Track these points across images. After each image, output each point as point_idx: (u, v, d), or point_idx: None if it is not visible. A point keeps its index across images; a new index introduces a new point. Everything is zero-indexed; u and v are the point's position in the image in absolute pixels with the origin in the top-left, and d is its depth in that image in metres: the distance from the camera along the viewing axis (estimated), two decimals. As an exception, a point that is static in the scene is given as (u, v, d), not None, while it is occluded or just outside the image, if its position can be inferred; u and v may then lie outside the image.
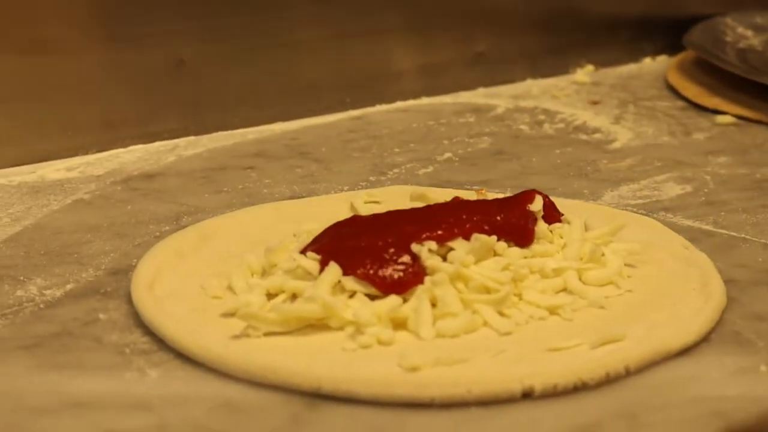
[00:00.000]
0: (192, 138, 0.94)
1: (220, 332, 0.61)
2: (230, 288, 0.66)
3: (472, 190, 0.79)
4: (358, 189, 0.83)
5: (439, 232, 0.65)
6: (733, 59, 1.07)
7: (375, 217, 0.68)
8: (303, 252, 0.65)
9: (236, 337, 0.60)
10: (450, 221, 0.66)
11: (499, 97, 1.05)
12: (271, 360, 0.58)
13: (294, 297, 0.63)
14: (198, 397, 0.57)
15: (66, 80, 0.90)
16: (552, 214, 0.70)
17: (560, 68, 1.12)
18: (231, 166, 0.88)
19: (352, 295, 0.62)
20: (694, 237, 0.73)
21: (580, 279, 0.66)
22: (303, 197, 0.81)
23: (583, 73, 1.12)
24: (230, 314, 0.62)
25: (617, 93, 1.07)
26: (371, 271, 0.62)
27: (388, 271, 0.62)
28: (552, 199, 0.71)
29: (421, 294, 0.62)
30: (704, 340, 0.61)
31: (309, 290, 0.62)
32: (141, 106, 0.93)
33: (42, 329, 0.63)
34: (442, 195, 0.74)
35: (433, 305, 0.62)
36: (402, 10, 1.04)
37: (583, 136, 0.95)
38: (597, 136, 0.95)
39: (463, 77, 1.07)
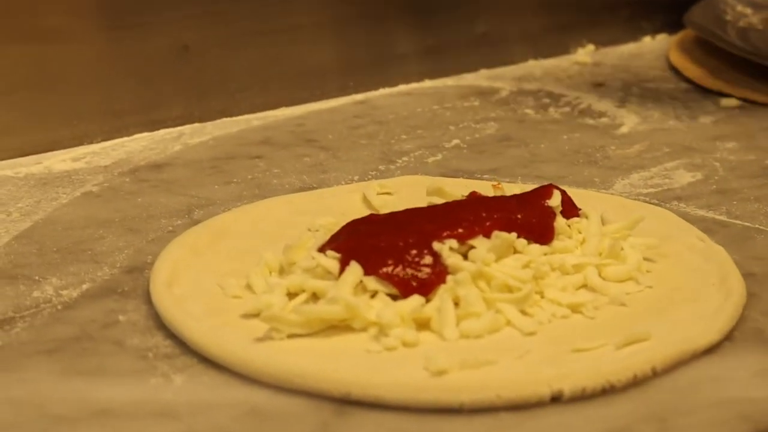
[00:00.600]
0: (197, 125, 0.93)
1: (243, 334, 0.60)
2: (249, 287, 0.65)
3: (485, 180, 0.79)
4: (369, 179, 0.82)
5: (460, 231, 0.64)
6: (735, 39, 1.06)
7: (392, 215, 0.67)
8: (321, 250, 0.65)
9: (259, 339, 0.60)
10: (470, 219, 0.65)
11: (502, 80, 1.05)
12: (297, 364, 0.58)
13: (314, 297, 0.63)
14: (224, 403, 0.57)
15: (69, 68, 0.89)
16: (570, 209, 0.69)
17: (561, 48, 1.11)
18: (238, 155, 0.87)
19: (374, 295, 0.62)
20: (708, 228, 0.73)
21: (599, 275, 0.66)
22: (314, 188, 0.80)
23: (584, 53, 1.11)
24: (251, 315, 0.62)
25: (620, 74, 1.06)
26: (394, 272, 0.62)
27: (412, 272, 0.62)
28: (565, 188, 0.70)
29: (443, 294, 0.62)
30: (727, 338, 0.61)
31: (331, 291, 0.61)
32: (145, 94, 0.92)
33: (61, 332, 0.63)
34: (457, 187, 0.74)
35: (456, 305, 0.61)
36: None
37: (590, 121, 0.94)
38: (603, 120, 0.95)
39: (465, 59, 1.06)
